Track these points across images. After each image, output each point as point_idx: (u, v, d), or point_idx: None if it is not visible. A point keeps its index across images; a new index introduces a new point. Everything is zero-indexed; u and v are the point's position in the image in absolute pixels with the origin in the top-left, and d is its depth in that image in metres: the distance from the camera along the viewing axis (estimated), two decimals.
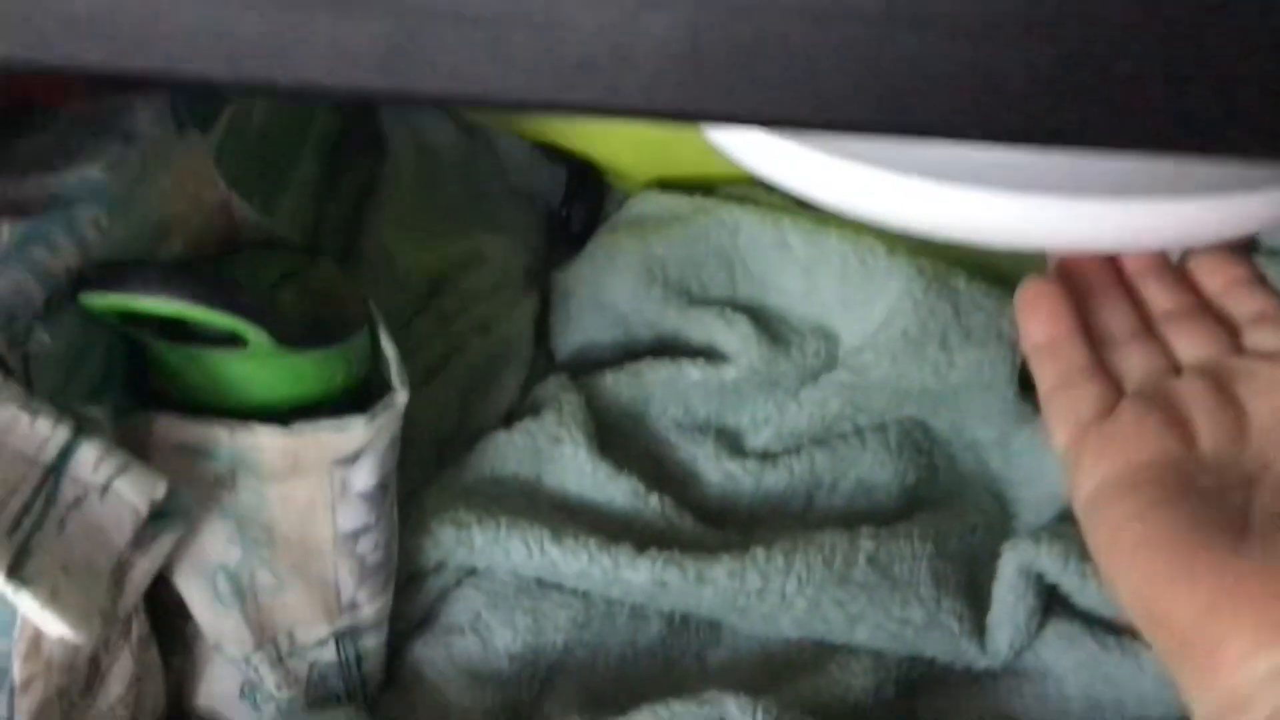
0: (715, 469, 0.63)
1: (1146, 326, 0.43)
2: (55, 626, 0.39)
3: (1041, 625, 0.57)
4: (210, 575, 0.48)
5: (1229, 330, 0.42)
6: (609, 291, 0.67)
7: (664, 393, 0.64)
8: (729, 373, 0.63)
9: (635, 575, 0.55)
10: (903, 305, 0.61)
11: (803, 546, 0.57)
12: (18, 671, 0.41)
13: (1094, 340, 0.42)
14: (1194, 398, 0.39)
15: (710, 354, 0.65)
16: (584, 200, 0.75)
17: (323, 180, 0.69)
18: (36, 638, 0.41)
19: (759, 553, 0.56)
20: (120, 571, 0.43)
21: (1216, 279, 0.44)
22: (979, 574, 0.59)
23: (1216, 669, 0.32)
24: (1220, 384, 0.39)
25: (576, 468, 0.60)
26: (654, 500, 0.59)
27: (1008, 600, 0.56)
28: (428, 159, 0.73)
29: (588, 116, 0.29)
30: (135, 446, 0.44)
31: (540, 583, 0.58)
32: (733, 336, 0.64)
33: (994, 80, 0.29)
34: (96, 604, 0.41)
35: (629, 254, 0.67)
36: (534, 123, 0.75)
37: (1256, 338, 0.42)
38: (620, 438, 0.64)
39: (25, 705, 0.42)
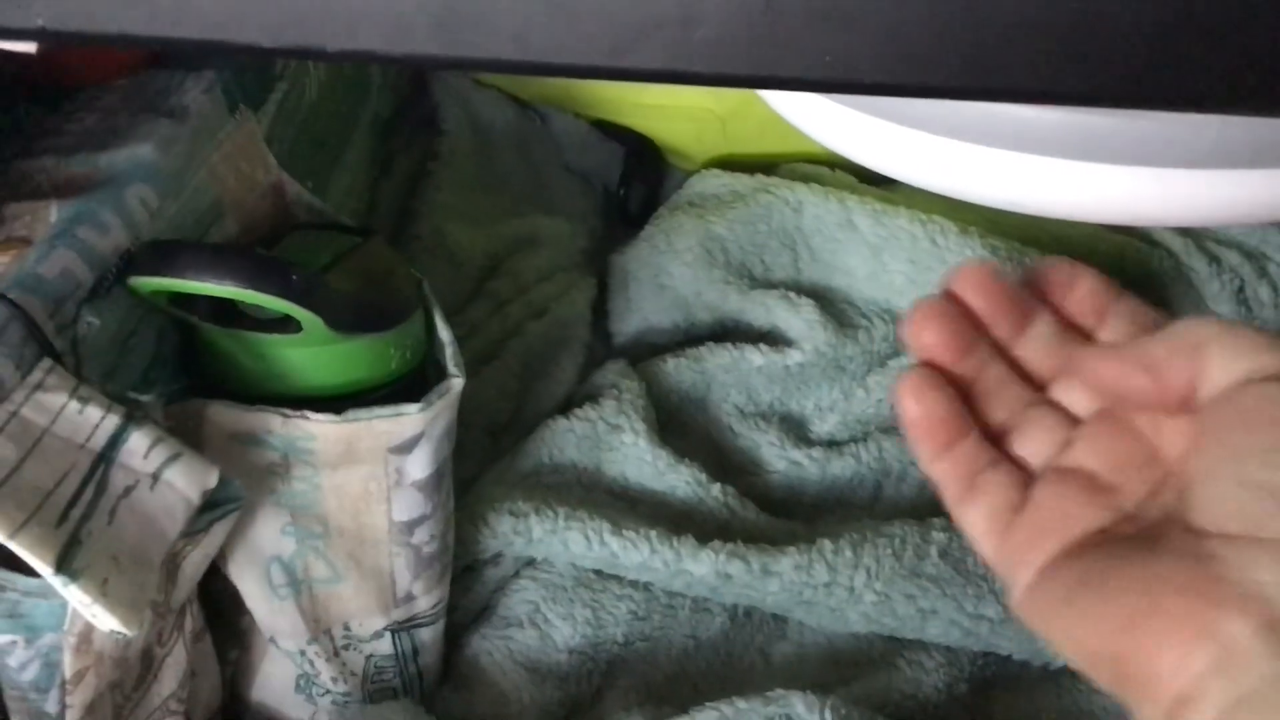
0: (779, 457, 0.61)
1: (1026, 389, 0.39)
2: (105, 620, 0.38)
3: None
4: (264, 566, 0.47)
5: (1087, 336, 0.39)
6: (668, 274, 0.65)
7: (726, 378, 0.62)
8: (793, 357, 0.61)
9: (698, 567, 0.53)
10: None
11: (871, 538, 0.54)
12: (68, 665, 0.40)
13: (980, 419, 0.39)
14: (1102, 456, 0.37)
15: (773, 338, 0.63)
16: (642, 180, 0.73)
17: (376, 160, 0.68)
18: (87, 631, 0.40)
19: (826, 544, 0.54)
20: (172, 563, 0.42)
21: (1055, 278, 0.40)
22: None
23: (1153, 685, 0.31)
24: (1122, 429, 0.37)
25: (636, 456, 0.58)
26: (716, 490, 0.58)
27: None
28: (483, 139, 0.72)
29: (653, 82, 0.27)
30: (186, 434, 0.43)
31: (600, 574, 0.56)
32: (797, 320, 0.62)
33: (1094, 37, 0.27)
34: (147, 596, 0.40)
35: (689, 235, 0.65)
36: (590, 100, 0.73)
37: (1110, 328, 0.38)
38: (681, 425, 0.62)
39: (77, 699, 0.41)
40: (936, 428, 0.39)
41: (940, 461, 0.39)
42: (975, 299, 0.39)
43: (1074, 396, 0.39)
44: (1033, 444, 0.39)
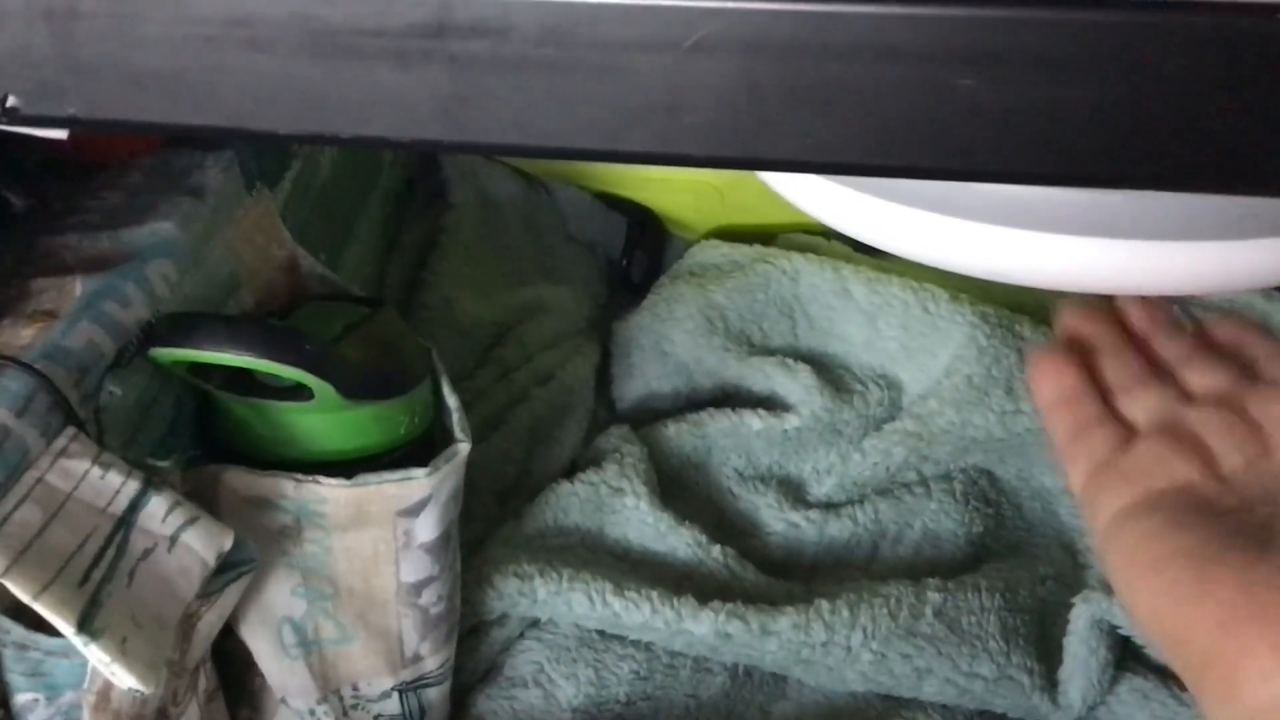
0: (777, 519, 0.62)
1: (1155, 372, 0.43)
2: (124, 678, 0.39)
3: (1115, 679, 0.55)
4: (276, 626, 0.49)
5: (1240, 367, 0.42)
6: (670, 341, 0.67)
7: (725, 442, 0.64)
8: (791, 422, 0.62)
9: (698, 627, 0.54)
10: (967, 352, 0.60)
11: (868, 598, 0.56)
12: None
13: (1104, 392, 0.43)
14: (1210, 423, 0.39)
15: (772, 403, 0.65)
16: (644, 250, 0.75)
17: (386, 232, 0.70)
18: (106, 689, 0.41)
19: (823, 604, 0.55)
20: (188, 623, 0.44)
21: (1225, 330, 0.44)
22: (1050, 627, 0.58)
23: (1237, 687, 0.30)
24: (1236, 409, 0.39)
25: (638, 519, 0.60)
26: (716, 551, 0.59)
27: (1080, 653, 0.54)
28: (490, 211, 0.74)
29: (646, 164, 0.29)
30: (202, 498, 0.44)
31: (602, 635, 0.57)
32: (795, 385, 0.63)
33: (1057, 121, 0.29)
34: (164, 655, 0.41)
35: (689, 303, 0.67)
36: (594, 173, 0.75)
37: (1272, 368, 0.41)
38: (682, 488, 0.64)
39: None
40: (1055, 370, 0.43)
41: (1055, 407, 0.43)
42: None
43: (1194, 376, 0.42)
44: (1145, 404, 0.41)
